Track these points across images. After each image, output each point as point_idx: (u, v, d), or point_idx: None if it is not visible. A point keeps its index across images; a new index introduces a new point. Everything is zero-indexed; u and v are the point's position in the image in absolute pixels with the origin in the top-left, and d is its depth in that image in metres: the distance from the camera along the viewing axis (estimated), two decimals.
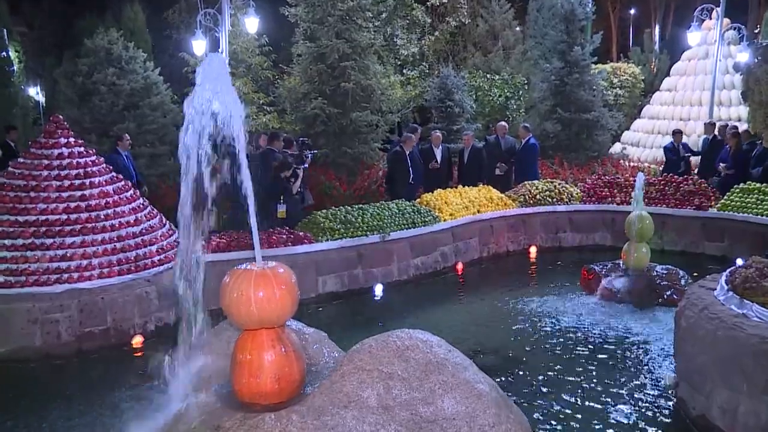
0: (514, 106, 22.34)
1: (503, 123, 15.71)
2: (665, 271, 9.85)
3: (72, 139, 9.55)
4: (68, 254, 8.58)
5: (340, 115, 16.63)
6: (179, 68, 18.38)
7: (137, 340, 8.57)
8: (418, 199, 12.62)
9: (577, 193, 13.86)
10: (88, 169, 9.32)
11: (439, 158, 14.24)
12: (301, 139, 12.94)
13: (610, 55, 33.98)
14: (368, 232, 10.97)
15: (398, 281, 11.21)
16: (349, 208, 11.42)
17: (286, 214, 11.00)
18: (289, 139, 12.87)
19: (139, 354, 8.32)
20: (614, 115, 20.65)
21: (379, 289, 10.88)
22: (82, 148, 9.53)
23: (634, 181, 10.59)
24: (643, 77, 26.28)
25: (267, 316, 4.40)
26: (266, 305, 4.35)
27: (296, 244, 10.22)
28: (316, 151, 13.53)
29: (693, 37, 20.10)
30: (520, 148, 14.99)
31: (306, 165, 12.16)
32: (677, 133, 15.76)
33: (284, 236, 10.22)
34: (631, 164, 19.27)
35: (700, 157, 15.47)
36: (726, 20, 19.53)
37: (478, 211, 12.80)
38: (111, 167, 9.83)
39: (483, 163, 14.47)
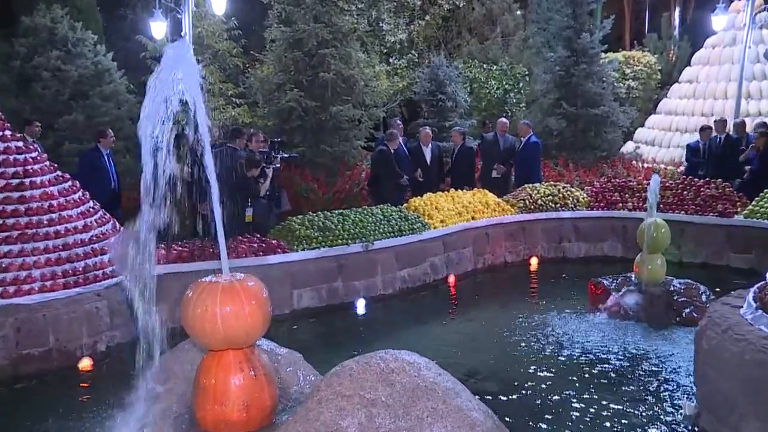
0: (514, 100, 22.49)
1: (503, 119, 15.81)
2: (684, 286, 9.91)
3: (8, 132, 9.32)
4: (3, 265, 8.41)
5: (319, 108, 16.64)
6: (136, 53, 18.31)
7: (85, 363, 8.41)
8: (405, 204, 12.66)
9: (583, 198, 13.95)
10: (29, 167, 9.13)
11: (428, 158, 14.33)
12: (273, 140, 12.88)
13: (623, 43, 34.18)
14: (349, 241, 10.98)
15: (383, 295, 11.24)
16: (328, 213, 11.45)
17: (254, 217, 10.99)
18: (248, 134, 12.82)
19: (87, 379, 8.18)
20: (626, 110, 20.81)
21: (361, 305, 10.90)
22: (20, 143, 9.34)
23: (648, 184, 10.64)
24: (659, 67, 26.44)
25: (234, 334, 4.40)
26: (234, 322, 4.34)
27: (268, 254, 10.22)
28: (291, 155, 13.44)
29: (718, 21, 20.03)
30: (520, 147, 15.09)
31: (277, 165, 12.13)
32: (706, 130, 15.47)
33: (254, 245, 10.22)
34: (645, 165, 19.37)
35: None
36: (759, 0, 19.39)
37: (473, 218, 12.87)
38: (56, 166, 9.67)
39: (472, 164, 14.53)
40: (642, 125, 22.90)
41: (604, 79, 19.98)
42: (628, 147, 21.68)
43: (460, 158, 14.74)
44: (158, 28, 16.46)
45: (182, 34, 15.91)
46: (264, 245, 10.31)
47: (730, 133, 15.39)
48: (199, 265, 9.37)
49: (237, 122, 17.26)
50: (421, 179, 14.13)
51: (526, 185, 14.20)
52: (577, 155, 19.00)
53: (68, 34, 15.85)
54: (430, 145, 14.49)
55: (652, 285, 9.91)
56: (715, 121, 15.81)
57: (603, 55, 21.00)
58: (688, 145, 15.95)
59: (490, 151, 15.22)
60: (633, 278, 10.14)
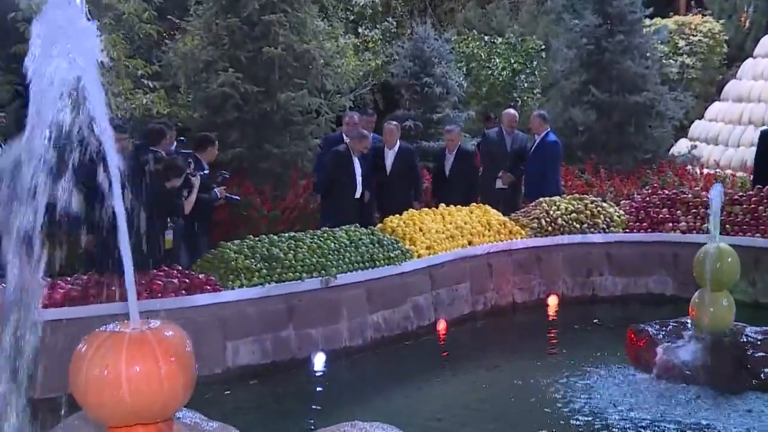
0: (525, 85, 22.65)
1: (511, 110, 15.86)
2: (761, 336, 9.89)
3: None
4: None
5: (262, 95, 16.63)
6: (2, 14, 18.19)
7: None
8: (379, 225, 12.67)
9: (619, 216, 14.03)
10: None
11: (389, 164, 14.22)
12: (179, 144, 12.80)
13: (675, 5, 34.46)
14: (304, 274, 10.95)
15: (349, 348, 11.23)
16: (275, 237, 11.44)
17: (176, 243, 10.95)
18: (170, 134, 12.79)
19: None
20: (679, 97, 20.96)
21: (319, 361, 10.88)
22: None
23: (709, 197, 10.69)
24: (726, 37, 26.59)
25: (146, 404, 4.36)
26: (145, 387, 4.32)
27: (193, 293, 10.17)
28: (232, 197, 13.31)
29: None
30: (532, 147, 15.13)
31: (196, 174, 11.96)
32: None
33: (175, 280, 10.16)
34: (705, 171, 19.49)
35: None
36: None
37: (470, 243, 12.91)
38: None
39: (473, 175, 14.54)
40: (701, 117, 23.06)
41: (648, 54, 20.14)
42: (681, 147, 21.83)
43: (456, 168, 14.77)
44: None
45: None
46: (188, 281, 10.25)
47: None
48: (97, 309, 9.29)
49: (149, 112, 17.17)
50: (367, 199, 14.18)
51: (541, 199, 14.23)
52: (611, 158, 19.10)
53: None
54: (396, 146, 14.43)
55: (716, 334, 9.86)
56: None
57: (647, 21, 21.19)
58: (762, 136, 15.50)
59: (493, 153, 15.26)
60: (689, 325, 10.14)
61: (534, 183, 15.19)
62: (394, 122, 15.34)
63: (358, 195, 13.79)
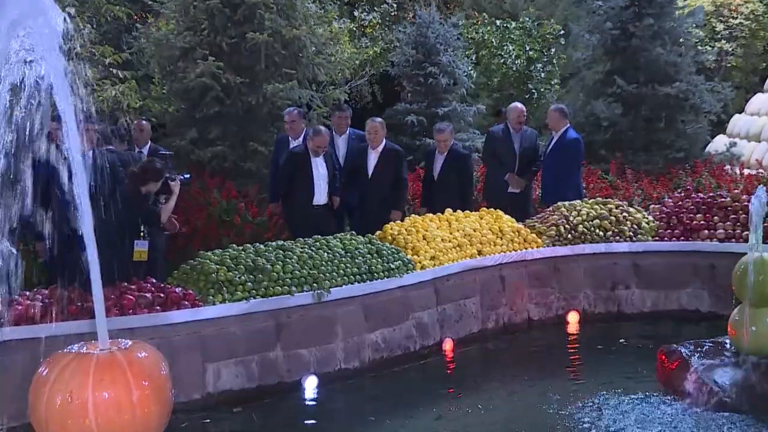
0: (542, 75, 22.66)
1: (518, 104, 15.78)
2: None
3: None
4: None
5: (247, 87, 16.67)
6: None
7: None
8: (378, 233, 12.68)
9: (648, 223, 14.06)
10: None
11: (371, 168, 14.09)
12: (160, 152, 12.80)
13: None
14: (294, 288, 10.95)
15: (344, 371, 11.23)
16: (261, 246, 11.45)
17: (150, 254, 10.93)
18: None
19: None
20: (717, 88, 20.95)
21: (311, 385, 10.85)
22: None
23: (751, 201, 10.67)
24: None
25: None
26: (115, 416, 4.31)
27: (169, 308, 10.14)
28: (183, 175, 13.22)
29: None
30: (550, 145, 15.09)
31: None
32: None
33: (148, 295, 10.14)
34: (746, 172, 19.46)
35: None
36: None
37: (480, 253, 12.90)
38: None
39: (466, 182, 14.39)
40: (741, 110, 23.05)
41: (681, 40, 20.18)
42: (719, 144, 21.84)
43: (445, 173, 14.60)
44: None
45: None
46: (163, 295, 10.23)
47: None
48: (60, 327, 9.20)
49: (119, 106, 17.16)
50: (336, 205, 14.15)
51: (559, 203, 14.23)
52: (638, 157, 19.14)
53: None
54: (381, 146, 14.26)
55: (759, 356, 9.88)
56: None
57: (680, 3, 21.19)
58: None
59: (499, 153, 15.20)
60: (728, 345, 10.15)
61: (551, 186, 15.16)
62: (379, 119, 15.00)
63: (318, 201, 13.71)
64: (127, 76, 18.53)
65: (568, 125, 15.22)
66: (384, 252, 11.98)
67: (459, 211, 13.55)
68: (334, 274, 11.36)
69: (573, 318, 13.37)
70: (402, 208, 14.58)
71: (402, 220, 13.10)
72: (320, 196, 13.68)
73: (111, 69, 18.36)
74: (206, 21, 16.85)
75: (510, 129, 15.24)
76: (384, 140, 14.42)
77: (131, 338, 4.65)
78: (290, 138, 14.72)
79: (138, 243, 10.88)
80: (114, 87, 17.91)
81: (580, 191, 15.31)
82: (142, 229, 10.94)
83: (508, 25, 23.36)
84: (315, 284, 11.10)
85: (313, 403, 10.67)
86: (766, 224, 10.41)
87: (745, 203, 13.33)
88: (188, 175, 13.06)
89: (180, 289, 10.46)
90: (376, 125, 14.41)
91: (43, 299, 9.81)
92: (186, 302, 10.31)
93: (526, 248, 13.31)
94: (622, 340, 12.58)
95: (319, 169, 13.59)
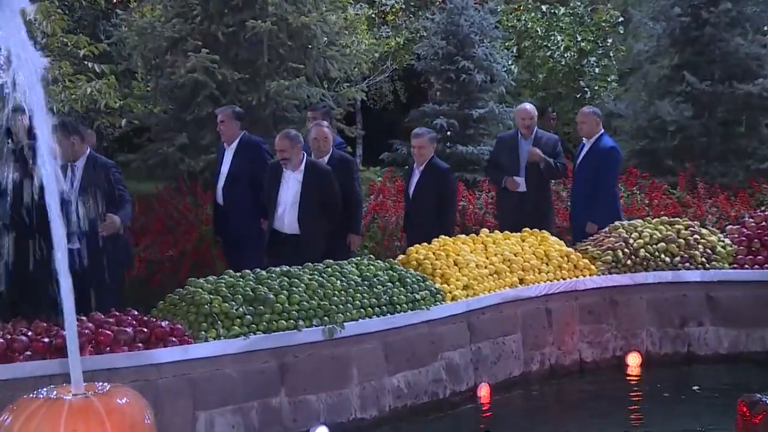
0: (597, 70, 22.68)
1: (526, 105, 15.57)
2: None
3: None
4: None
5: (247, 84, 16.75)
6: None
7: None
8: (400, 257, 12.68)
9: (725, 247, 14.01)
10: None
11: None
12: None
13: None
14: (301, 322, 10.98)
15: (361, 421, 11.20)
16: (262, 272, 11.45)
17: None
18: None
19: None
20: None
21: None
22: None
23: None
24: None
25: None
26: None
27: (154, 346, 10.19)
28: None
29: None
30: (581, 154, 15.05)
31: None
32: None
33: (129, 329, 10.20)
34: None
35: None
36: None
37: (522, 282, 12.84)
38: None
39: (446, 201, 13.99)
40: None
41: (766, 28, 20.11)
42: None
43: (420, 191, 14.16)
44: None
45: None
46: (146, 330, 10.27)
47: None
48: (25, 368, 9.33)
49: (95, 106, 17.26)
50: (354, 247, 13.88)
51: (617, 222, 14.12)
52: (712, 168, 19.10)
53: None
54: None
55: None
56: None
57: None
58: None
59: (503, 161, 15.21)
60: None
61: (582, 202, 15.00)
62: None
63: (282, 227, 13.23)
64: (105, 70, 18.64)
65: (602, 131, 15.03)
66: (408, 280, 11.89)
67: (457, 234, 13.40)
68: (349, 305, 11.30)
69: (634, 360, 13.24)
70: (358, 230, 14.30)
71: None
72: (282, 223, 13.22)
73: (86, 62, 18.50)
74: (199, 6, 16.96)
75: (519, 135, 15.20)
76: (332, 149, 13.99)
77: (110, 381, 4.72)
78: (225, 145, 14.27)
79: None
80: (89, 83, 18.03)
81: (617, 211, 15.12)
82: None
83: (556, 12, 23.44)
84: (326, 318, 11.04)
85: None
86: None
87: None
88: None
89: (167, 323, 10.39)
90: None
91: (3, 335, 9.91)
92: (174, 338, 10.28)
93: (576, 276, 13.24)
94: (694, 387, 12.53)
95: (291, 187, 13.03)
